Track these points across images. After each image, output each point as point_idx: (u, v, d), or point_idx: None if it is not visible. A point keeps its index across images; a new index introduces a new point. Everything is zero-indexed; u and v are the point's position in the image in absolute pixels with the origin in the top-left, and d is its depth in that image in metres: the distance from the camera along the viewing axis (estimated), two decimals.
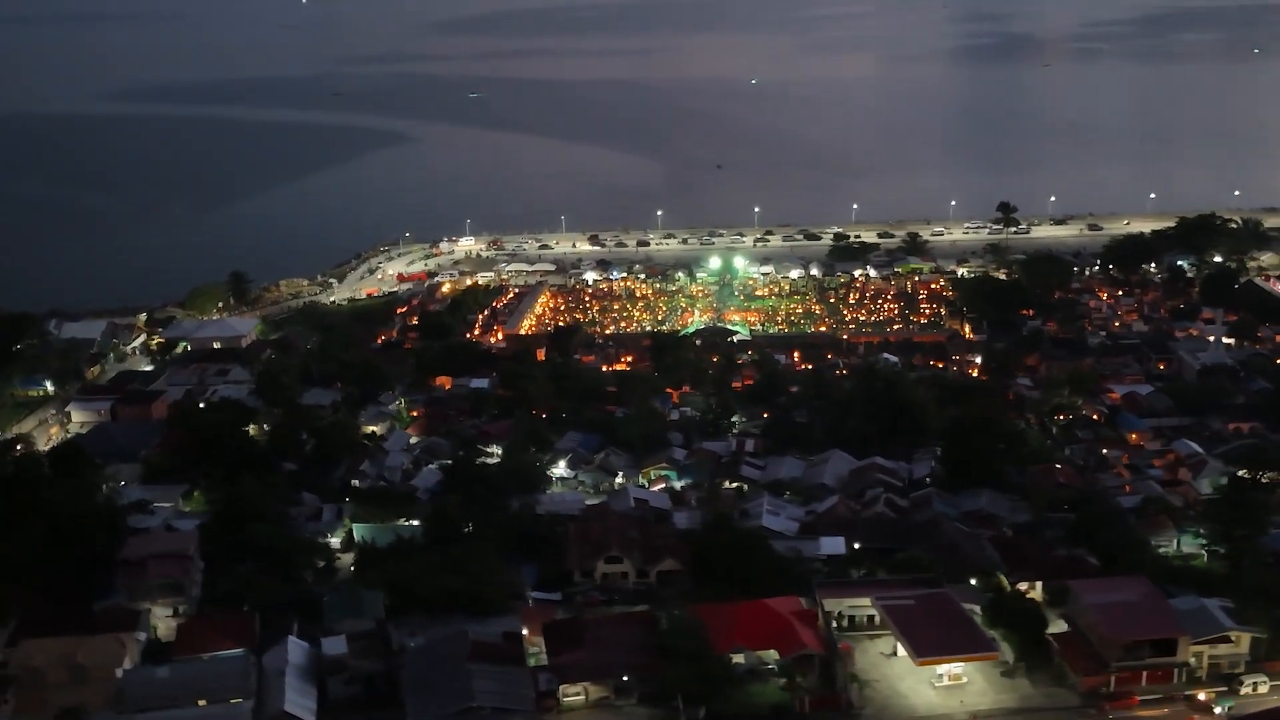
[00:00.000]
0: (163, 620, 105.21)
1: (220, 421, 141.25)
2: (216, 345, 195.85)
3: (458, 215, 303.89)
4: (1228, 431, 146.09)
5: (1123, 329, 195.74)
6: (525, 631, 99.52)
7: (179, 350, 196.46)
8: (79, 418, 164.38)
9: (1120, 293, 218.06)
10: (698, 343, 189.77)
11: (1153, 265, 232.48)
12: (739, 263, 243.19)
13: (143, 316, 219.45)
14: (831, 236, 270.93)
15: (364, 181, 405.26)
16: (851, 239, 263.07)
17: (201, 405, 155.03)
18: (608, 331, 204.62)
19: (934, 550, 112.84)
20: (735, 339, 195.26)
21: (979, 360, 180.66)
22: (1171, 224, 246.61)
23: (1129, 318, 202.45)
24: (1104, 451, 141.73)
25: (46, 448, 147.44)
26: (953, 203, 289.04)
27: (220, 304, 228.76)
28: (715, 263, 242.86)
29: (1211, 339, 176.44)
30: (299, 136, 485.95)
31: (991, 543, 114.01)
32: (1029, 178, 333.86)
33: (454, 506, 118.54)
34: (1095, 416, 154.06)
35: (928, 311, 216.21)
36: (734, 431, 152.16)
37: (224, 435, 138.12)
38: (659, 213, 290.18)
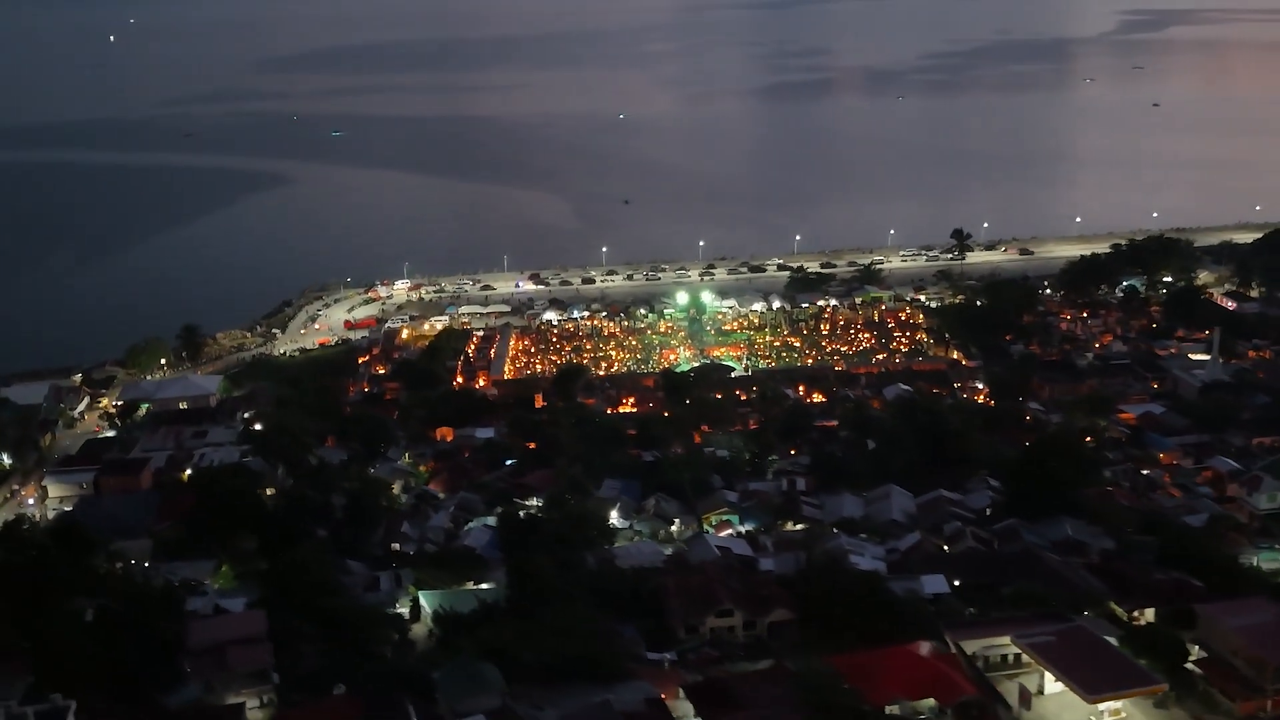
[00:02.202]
0: (251, 713, 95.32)
1: (239, 488, 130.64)
2: (183, 405, 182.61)
3: (375, 258, 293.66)
4: (1252, 446, 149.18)
5: (1103, 350, 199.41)
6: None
7: (141, 413, 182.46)
8: (56, 492, 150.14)
9: (1085, 315, 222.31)
10: (691, 379, 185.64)
11: (1101, 287, 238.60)
12: (706, 297, 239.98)
13: (78, 377, 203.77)
14: (775, 268, 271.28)
15: (255, 226, 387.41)
16: (796, 270, 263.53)
17: (198, 471, 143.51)
18: (599, 373, 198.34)
19: (1035, 582, 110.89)
20: (733, 375, 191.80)
21: (981, 386, 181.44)
22: (1102, 247, 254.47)
23: (1105, 339, 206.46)
24: (1144, 472, 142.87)
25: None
26: (891, 231, 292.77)
27: (164, 360, 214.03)
28: (682, 298, 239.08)
29: (1208, 356, 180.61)
30: (162, 180, 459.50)
31: (1086, 570, 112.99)
32: (943, 205, 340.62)
33: (539, 565, 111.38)
34: (1119, 438, 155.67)
35: (904, 340, 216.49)
36: (773, 470, 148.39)
37: (247, 503, 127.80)
38: (604, 249, 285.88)
